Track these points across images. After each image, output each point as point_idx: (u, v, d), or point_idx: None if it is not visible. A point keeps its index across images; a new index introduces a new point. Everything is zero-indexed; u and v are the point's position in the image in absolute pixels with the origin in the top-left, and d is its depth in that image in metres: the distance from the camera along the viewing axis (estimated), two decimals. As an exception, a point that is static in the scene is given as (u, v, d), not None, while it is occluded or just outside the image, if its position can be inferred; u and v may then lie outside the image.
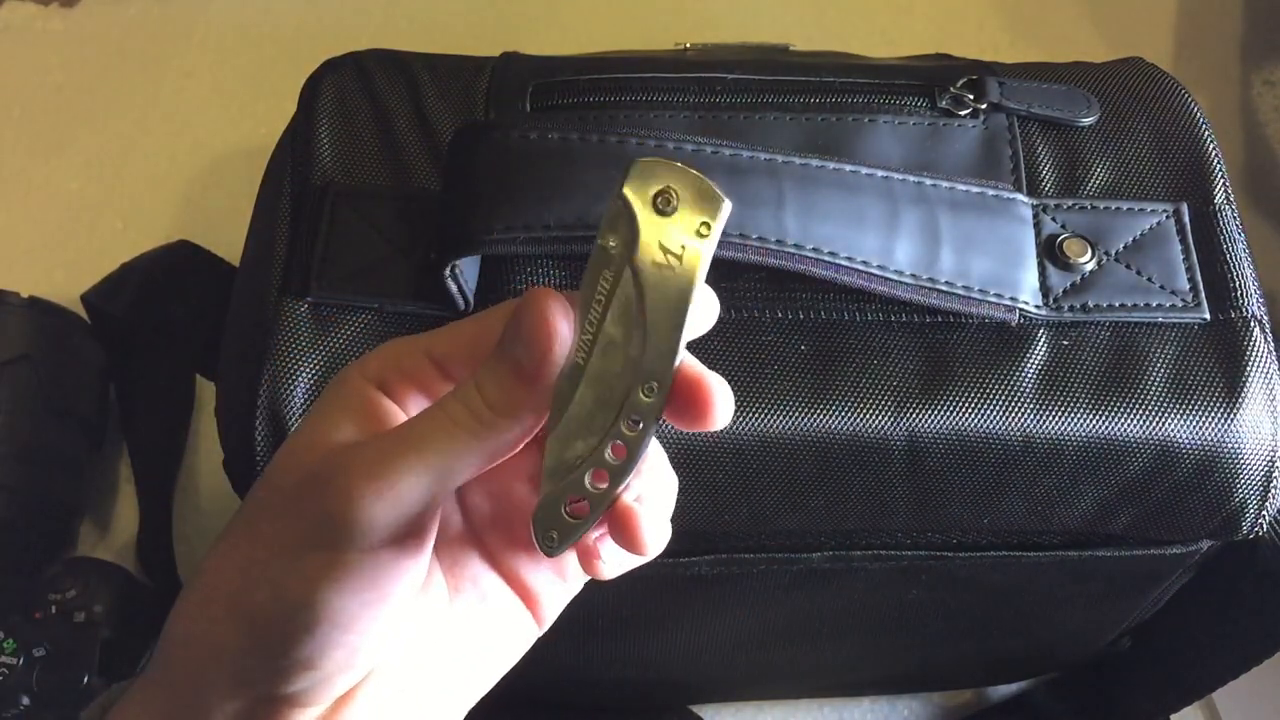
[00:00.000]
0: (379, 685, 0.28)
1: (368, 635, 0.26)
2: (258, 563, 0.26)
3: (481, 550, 0.30)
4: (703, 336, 0.30)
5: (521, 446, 0.27)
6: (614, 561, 0.28)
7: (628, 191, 0.25)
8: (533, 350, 0.26)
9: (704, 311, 0.27)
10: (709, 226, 0.24)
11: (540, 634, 0.31)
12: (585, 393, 0.26)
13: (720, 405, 0.26)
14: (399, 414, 0.28)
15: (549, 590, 0.30)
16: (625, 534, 0.26)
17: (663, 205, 0.24)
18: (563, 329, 0.26)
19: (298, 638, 0.25)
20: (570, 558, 0.29)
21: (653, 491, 0.28)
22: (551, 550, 0.26)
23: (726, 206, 0.25)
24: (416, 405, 0.28)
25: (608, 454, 0.26)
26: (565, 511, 0.26)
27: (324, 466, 0.26)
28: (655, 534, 0.26)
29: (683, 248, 0.25)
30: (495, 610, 0.30)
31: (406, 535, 0.26)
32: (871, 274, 0.38)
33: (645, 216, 0.25)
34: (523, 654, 0.31)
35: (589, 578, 0.30)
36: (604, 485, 0.26)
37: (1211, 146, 0.43)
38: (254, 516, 0.27)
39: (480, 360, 0.28)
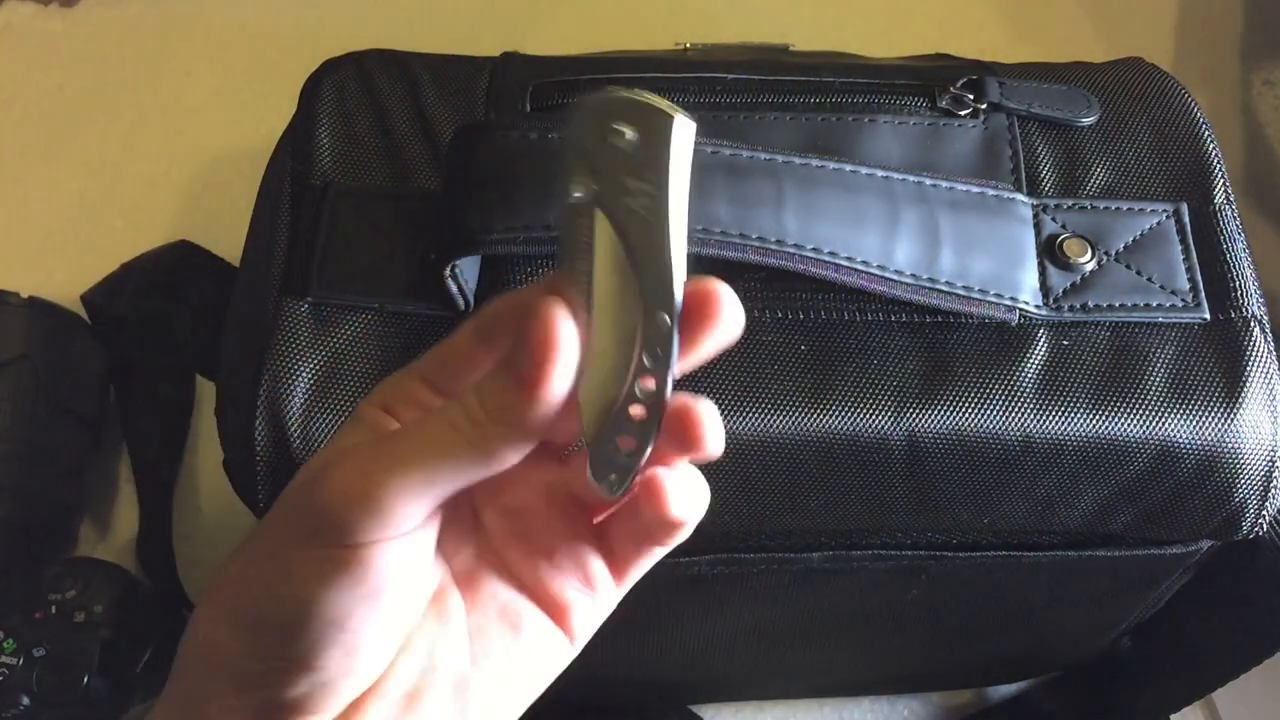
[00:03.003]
0: (391, 702, 0.27)
1: (364, 634, 0.26)
2: (254, 564, 0.26)
3: (503, 570, 0.30)
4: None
5: (521, 457, 0.26)
6: (681, 496, 0.28)
7: (578, 135, 0.24)
8: (533, 360, 0.25)
9: (685, 231, 0.26)
10: (667, 145, 0.24)
11: (574, 652, 0.30)
12: (601, 340, 0.26)
13: (710, 432, 0.26)
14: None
15: (578, 602, 0.30)
16: (687, 431, 0.26)
17: (615, 139, 0.24)
18: (566, 338, 0.25)
19: (291, 634, 0.25)
20: (597, 566, 0.30)
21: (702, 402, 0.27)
22: (617, 490, 0.27)
23: (680, 120, 0.24)
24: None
25: (638, 388, 0.26)
26: (618, 449, 0.27)
27: (317, 464, 0.26)
28: (715, 428, 0.27)
29: (648, 174, 0.24)
30: (521, 628, 0.29)
31: (396, 533, 0.25)
32: (871, 274, 0.38)
33: (602, 157, 0.24)
34: (556, 674, 0.30)
35: (622, 593, 0.30)
36: (644, 415, 0.26)
37: (1211, 146, 0.43)
38: (260, 526, 0.28)
39: (461, 373, 0.28)
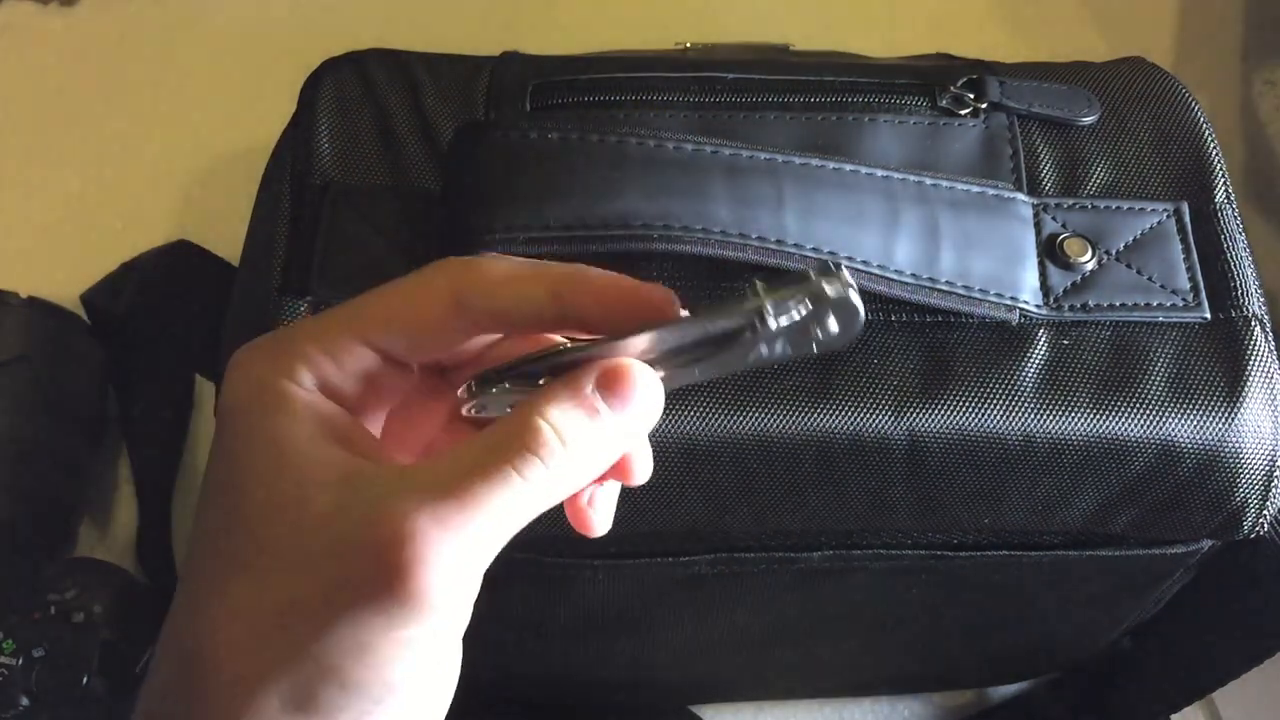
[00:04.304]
0: None
1: (411, 686, 0.24)
2: (295, 635, 0.23)
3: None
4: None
5: None
6: (603, 518, 0.28)
7: (789, 300, 0.25)
8: (646, 422, 0.25)
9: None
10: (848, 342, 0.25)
11: None
12: None
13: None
14: (363, 430, 0.26)
15: None
16: (621, 469, 0.27)
17: (814, 326, 0.25)
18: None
19: (354, 704, 0.24)
20: None
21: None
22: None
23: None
24: (374, 412, 0.27)
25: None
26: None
27: (371, 525, 0.23)
28: (647, 463, 0.27)
29: (808, 349, 0.25)
30: None
31: (469, 599, 0.24)
32: (871, 274, 0.38)
33: (792, 324, 0.25)
34: None
35: None
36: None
37: (1212, 146, 0.43)
38: (258, 572, 0.24)
39: (429, 345, 0.26)
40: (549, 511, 0.30)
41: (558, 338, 0.27)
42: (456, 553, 0.23)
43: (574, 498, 0.28)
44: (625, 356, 0.25)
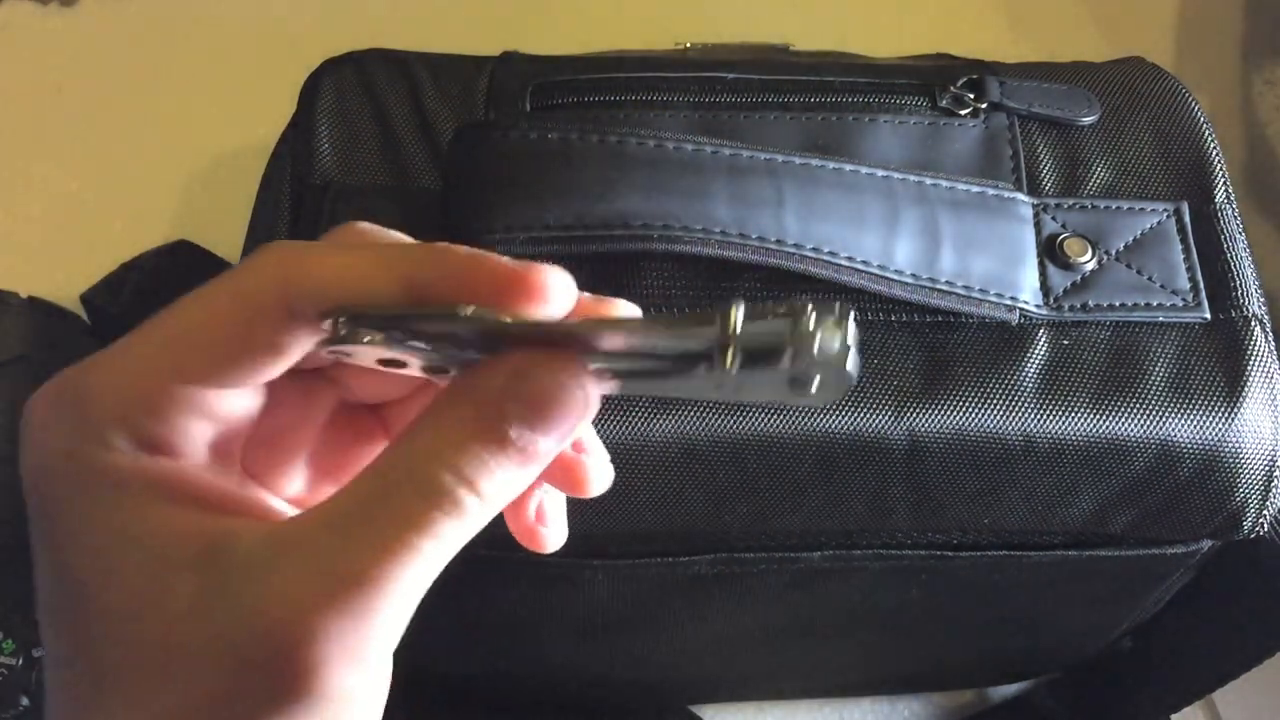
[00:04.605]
0: None
1: None
2: None
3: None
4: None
5: None
6: (556, 530, 0.26)
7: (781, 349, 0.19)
8: (566, 436, 0.21)
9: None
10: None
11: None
12: None
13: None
14: (215, 477, 0.22)
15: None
16: (576, 484, 0.25)
17: (798, 380, 0.19)
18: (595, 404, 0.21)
19: None
20: None
21: (591, 439, 0.26)
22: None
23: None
24: (236, 445, 0.23)
25: None
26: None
27: (258, 625, 0.19)
28: (603, 474, 0.25)
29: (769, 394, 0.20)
30: None
31: (388, 666, 0.21)
32: (871, 274, 0.38)
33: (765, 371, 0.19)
34: None
35: None
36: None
37: (1212, 146, 0.43)
38: (122, 700, 0.20)
39: (261, 366, 0.21)
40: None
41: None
42: (366, 642, 0.20)
43: (519, 516, 0.26)
44: (550, 348, 0.21)
